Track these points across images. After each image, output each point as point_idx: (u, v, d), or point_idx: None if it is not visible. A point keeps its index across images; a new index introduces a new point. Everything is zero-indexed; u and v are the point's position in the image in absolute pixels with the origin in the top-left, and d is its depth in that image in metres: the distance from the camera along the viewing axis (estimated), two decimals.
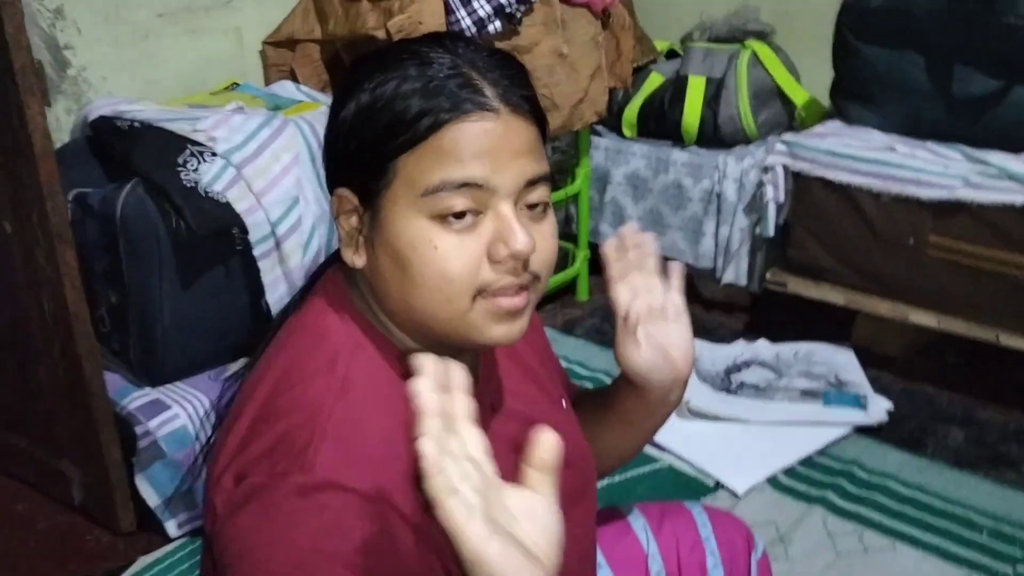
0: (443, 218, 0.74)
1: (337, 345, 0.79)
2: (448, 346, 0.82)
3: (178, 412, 1.71)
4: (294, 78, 2.14)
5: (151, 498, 1.71)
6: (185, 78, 2.08)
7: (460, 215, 0.74)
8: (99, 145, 1.77)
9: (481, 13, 1.98)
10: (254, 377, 0.83)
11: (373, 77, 0.76)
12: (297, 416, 0.75)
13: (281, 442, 0.74)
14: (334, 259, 0.88)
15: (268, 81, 2.19)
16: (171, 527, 1.72)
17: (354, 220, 0.79)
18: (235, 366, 1.82)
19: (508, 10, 2.02)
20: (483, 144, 0.74)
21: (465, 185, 0.74)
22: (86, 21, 1.92)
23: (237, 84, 2.07)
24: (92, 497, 1.78)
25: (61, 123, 1.92)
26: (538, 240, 0.77)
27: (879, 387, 2.14)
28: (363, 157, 0.76)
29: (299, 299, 0.90)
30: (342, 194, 0.80)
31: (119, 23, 1.97)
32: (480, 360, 0.90)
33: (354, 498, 0.71)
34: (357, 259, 0.80)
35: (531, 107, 0.79)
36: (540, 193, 0.79)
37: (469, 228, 0.75)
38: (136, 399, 1.72)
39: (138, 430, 1.68)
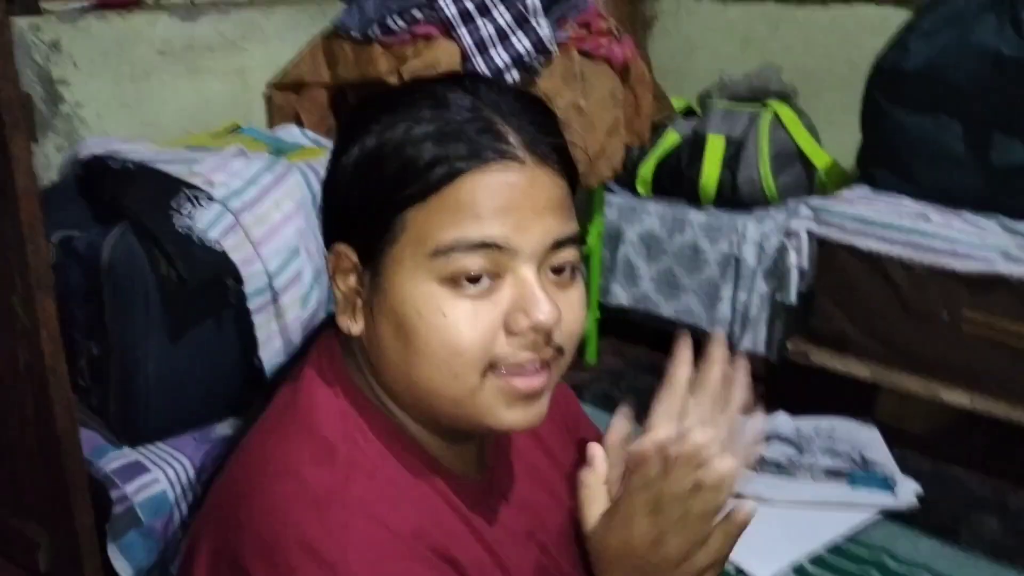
0: (455, 282, 0.64)
1: (330, 429, 0.69)
2: (453, 429, 0.72)
3: (158, 476, 1.57)
4: (299, 122, 2.04)
5: (124, 570, 1.56)
6: (185, 119, 1.99)
7: (475, 279, 0.64)
8: (89, 186, 1.66)
9: (499, 62, 1.89)
10: (234, 458, 0.72)
11: (381, 119, 0.67)
12: (293, 518, 0.64)
13: (277, 549, 0.62)
14: (330, 322, 0.78)
15: (272, 125, 2.09)
16: None
17: (352, 280, 0.70)
18: (223, 427, 1.70)
19: (526, 60, 1.94)
20: (505, 199, 0.64)
21: (483, 245, 0.64)
22: (84, 56, 1.83)
23: (239, 127, 1.98)
24: (60, 566, 1.63)
25: (51, 161, 1.82)
26: (564, 309, 0.67)
27: (905, 468, 2.02)
28: (366, 209, 0.67)
29: (292, 365, 0.79)
30: (340, 250, 0.70)
31: (118, 59, 1.88)
32: (487, 441, 0.80)
33: None
34: (353, 325, 0.70)
35: (560, 158, 0.69)
36: (567, 256, 0.69)
37: (484, 294, 0.65)
38: (113, 460, 1.59)
39: (113, 494, 1.55)
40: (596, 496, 0.75)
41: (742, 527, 0.72)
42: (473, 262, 0.64)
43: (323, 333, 0.77)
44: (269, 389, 0.78)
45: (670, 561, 0.71)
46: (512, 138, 0.66)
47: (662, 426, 0.72)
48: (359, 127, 0.69)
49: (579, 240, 0.70)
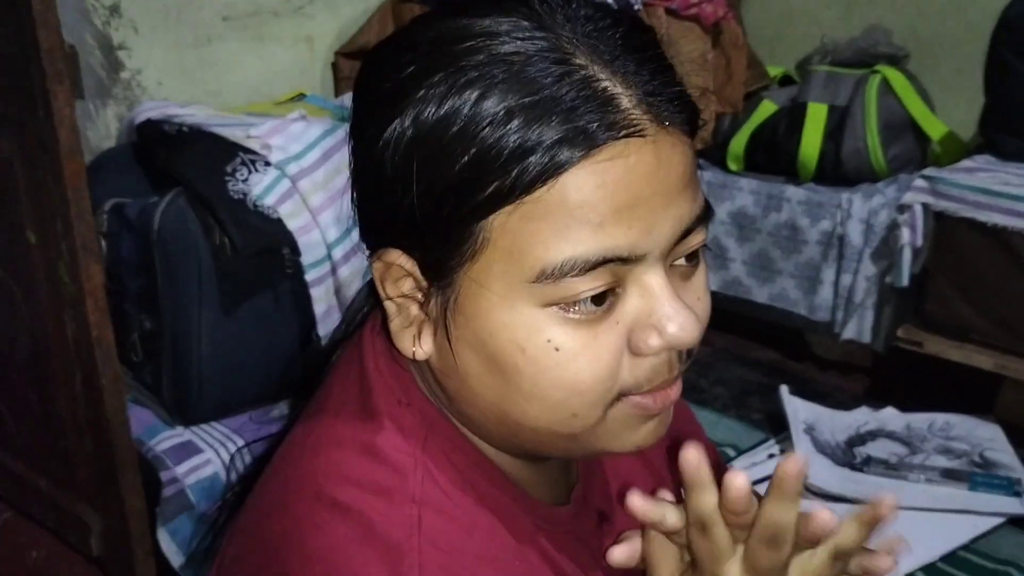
0: (565, 305, 0.48)
1: (399, 454, 0.54)
2: (546, 456, 0.58)
3: (211, 457, 1.49)
4: None
5: (174, 556, 1.48)
6: (249, 87, 1.90)
7: (595, 301, 0.49)
8: (144, 151, 1.59)
9: None
10: (272, 478, 0.58)
11: (433, 77, 0.49)
12: (355, 568, 0.50)
13: None
14: (370, 304, 0.62)
15: (339, 95, 2.00)
16: None
17: (410, 291, 0.53)
18: (282, 407, 1.60)
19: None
20: (629, 192, 0.48)
21: (605, 262, 0.48)
22: (144, 20, 1.75)
23: (304, 95, 1.88)
24: (111, 550, 1.56)
25: (110, 130, 1.76)
26: (691, 303, 0.52)
27: None
28: (430, 212, 0.50)
29: (330, 354, 0.64)
30: (391, 261, 0.52)
31: (180, 25, 1.80)
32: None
33: None
34: (418, 350, 0.54)
35: (686, 112, 0.51)
36: (697, 241, 0.52)
37: (602, 313, 0.49)
38: (165, 440, 1.51)
39: (163, 476, 1.47)
40: (667, 553, 0.58)
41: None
42: (592, 284, 0.49)
43: (371, 322, 0.61)
44: (307, 382, 0.65)
45: None
46: (625, 99, 0.48)
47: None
48: (401, 86, 0.50)
49: (709, 215, 0.53)
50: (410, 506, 0.52)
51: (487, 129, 0.47)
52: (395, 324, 0.55)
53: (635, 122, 0.48)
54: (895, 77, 2.11)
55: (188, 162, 1.47)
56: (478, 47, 0.48)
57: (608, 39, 0.49)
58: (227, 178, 1.46)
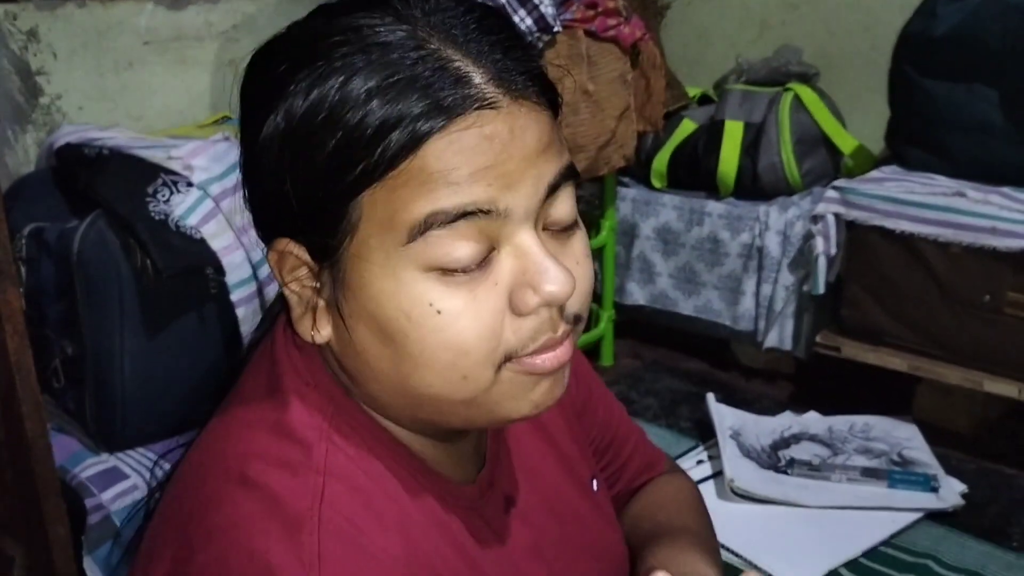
0: (442, 267, 0.52)
1: (304, 427, 0.57)
2: (452, 430, 0.61)
3: (137, 482, 1.47)
4: None
5: None
6: (172, 111, 1.90)
7: (465, 261, 0.52)
8: (63, 176, 1.57)
9: None
10: (189, 458, 0.60)
11: (301, 71, 0.52)
12: (256, 542, 0.52)
13: None
14: (280, 308, 0.64)
15: None
16: None
17: (306, 278, 0.56)
18: None
19: (529, 39, 1.83)
20: (483, 157, 0.52)
21: (465, 215, 0.52)
22: (63, 45, 1.74)
23: (228, 117, 1.88)
24: None
25: (30, 156, 1.73)
26: (571, 267, 0.55)
27: (948, 467, 1.86)
28: (307, 198, 0.54)
29: (252, 347, 0.66)
30: (283, 248, 0.56)
31: (100, 49, 1.79)
32: (486, 433, 0.68)
33: None
34: (317, 334, 0.57)
35: (539, 85, 0.55)
36: (565, 200, 0.56)
37: (480, 275, 0.53)
38: (90, 467, 1.48)
39: (88, 503, 1.44)
40: None
41: None
42: (459, 241, 0.52)
43: (282, 316, 0.63)
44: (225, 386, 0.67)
45: None
46: (477, 76, 0.52)
47: None
48: (274, 85, 0.54)
49: (575, 174, 0.57)
50: (314, 477, 0.54)
51: (351, 112, 0.51)
52: (296, 312, 0.58)
53: (487, 95, 0.52)
54: (806, 94, 2.20)
55: (108, 184, 1.46)
56: (343, 41, 0.53)
57: (462, 25, 0.54)
58: (148, 199, 1.45)
